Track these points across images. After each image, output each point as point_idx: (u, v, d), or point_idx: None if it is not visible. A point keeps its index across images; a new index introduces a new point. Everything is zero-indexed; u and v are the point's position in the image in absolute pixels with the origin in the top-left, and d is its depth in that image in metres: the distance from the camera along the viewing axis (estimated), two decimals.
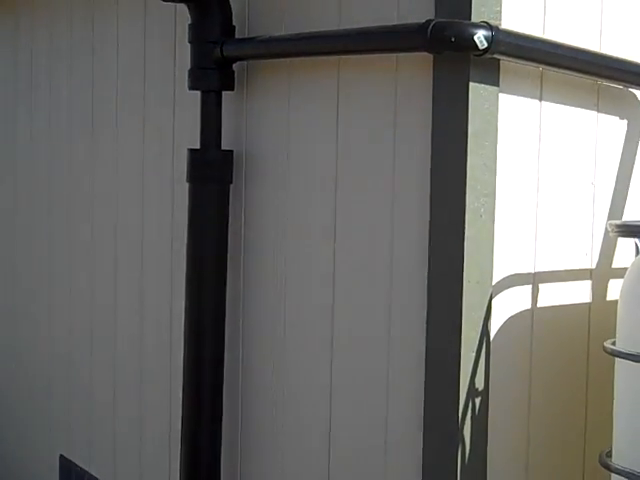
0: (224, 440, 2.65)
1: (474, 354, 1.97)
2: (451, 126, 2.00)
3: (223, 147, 2.64)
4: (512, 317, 2.06)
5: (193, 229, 2.63)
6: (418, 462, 2.05)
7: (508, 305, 2.05)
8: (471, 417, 1.96)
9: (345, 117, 2.31)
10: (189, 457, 2.64)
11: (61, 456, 3.68)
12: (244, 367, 2.66)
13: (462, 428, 1.95)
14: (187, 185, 2.66)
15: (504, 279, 2.03)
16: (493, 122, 1.99)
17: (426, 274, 2.02)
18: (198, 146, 2.63)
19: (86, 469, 3.51)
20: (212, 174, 2.62)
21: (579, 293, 2.18)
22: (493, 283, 2.00)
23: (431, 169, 2.03)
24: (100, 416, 3.42)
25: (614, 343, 1.87)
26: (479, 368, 1.97)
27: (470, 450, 1.96)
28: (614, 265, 2.26)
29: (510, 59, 1.99)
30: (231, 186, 2.64)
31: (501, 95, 2.00)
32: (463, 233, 1.96)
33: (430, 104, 2.04)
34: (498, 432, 2.02)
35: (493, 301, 2.00)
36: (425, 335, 2.03)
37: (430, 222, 2.03)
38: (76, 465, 3.57)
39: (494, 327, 2.02)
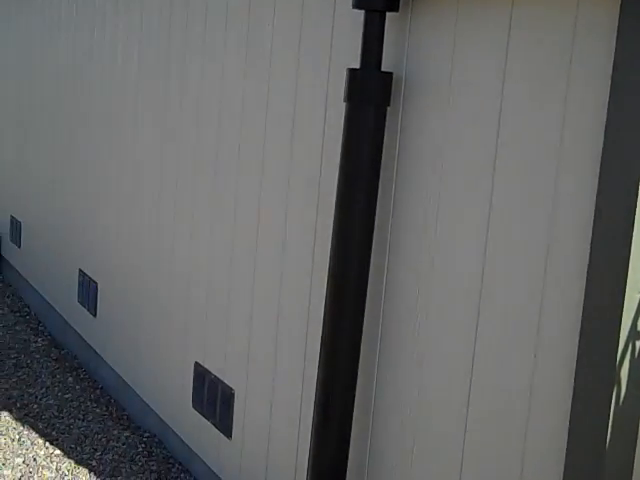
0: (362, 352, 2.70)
1: (639, 295, 1.90)
2: (637, 72, 1.88)
3: (383, 69, 2.61)
4: None
5: (347, 149, 2.62)
6: (567, 402, 2.01)
7: None
8: (630, 360, 1.90)
9: (515, 52, 2.21)
10: (328, 368, 2.70)
11: (196, 363, 3.83)
12: (387, 288, 2.67)
13: (619, 370, 1.90)
14: (343, 105, 2.66)
15: None
16: None
17: (594, 204, 1.95)
18: (357, 66, 2.61)
19: (220, 377, 3.64)
20: (370, 95, 2.59)
21: None
22: None
23: (607, 117, 1.93)
24: (236, 327, 3.53)
25: None
26: None
27: (625, 392, 1.91)
28: None
29: None
30: (388, 109, 2.61)
31: None
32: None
33: (613, 47, 1.93)
34: None
35: None
36: (587, 273, 1.97)
37: (602, 157, 1.94)
38: (210, 373, 3.72)
39: None
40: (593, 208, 1.96)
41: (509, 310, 2.22)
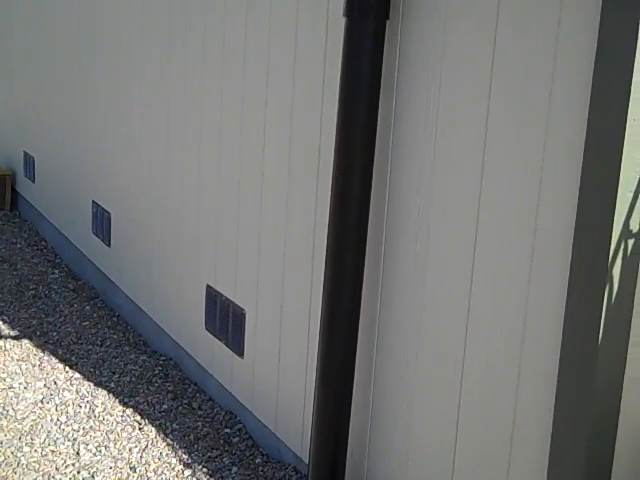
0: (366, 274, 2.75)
1: (631, 195, 1.92)
2: None
3: None
4: None
5: (348, 62, 2.63)
6: (560, 305, 2.06)
7: None
8: (622, 257, 1.93)
9: None
10: (332, 281, 2.76)
11: (208, 286, 3.91)
12: (389, 200, 2.71)
13: (612, 268, 1.93)
14: (343, 20, 2.66)
15: None
16: None
17: (587, 110, 1.96)
18: None
19: (231, 298, 3.72)
20: (369, 8, 2.59)
21: None
22: None
23: None
24: (245, 249, 3.59)
25: None
26: (636, 210, 1.93)
27: (618, 290, 1.95)
28: None
29: None
30: (387, 22, 2.61)
31: None
32: (632, 68, 1.87)
33: None
34: None
35: None
36: (581, 175, 2.00)
37: (597, 54, 1.94)
38: (221, 295, 3.79)
39: None
40: (587, 111, 1.98)
41: (506, 224, 2.25)
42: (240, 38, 3.51)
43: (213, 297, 3.87)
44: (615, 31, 1.91)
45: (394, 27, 2.61)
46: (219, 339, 3.84)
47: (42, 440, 3.57)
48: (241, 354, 3.66)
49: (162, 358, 4.45)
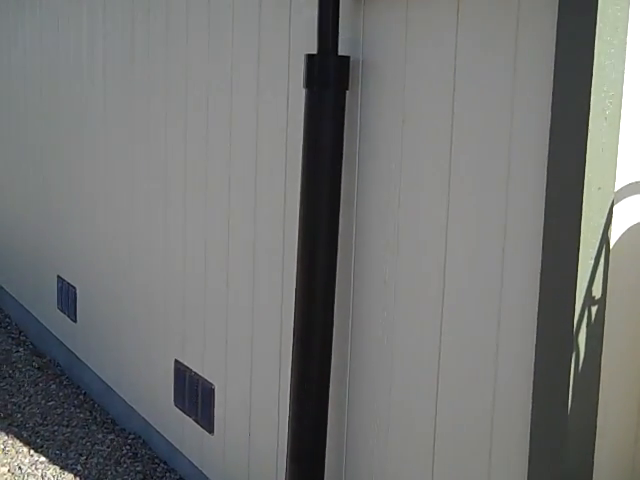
0: (334, 347, 2.71)
1: (592, 262, 1.92)
2: (577, 23, 1.91)
3: (340, 53, 2.62)
4: (634, 226, 1.99)
5: (309, 134, 2.64)
6: (529, 368, 2.04)
7: (630, 213, 1.98)
8: (587, 325, 1.92)
9: (464, 24, 2.24)
10: (300, 359, 2.72)
11: (176, 361, 3.84)
12: (356, 251, 2.69)
13: (577, 336, 1.92)
14: (303, 91, 2.68)
15: (628, 186, 1.96)
16: (623, 20, 1.90)
17: (545, 179, 1.97)
18: (315, 52, 2.63)
19: (199, 373, 3.65)
20: (329, 80, 2.61)
21: None
22: (615, 190, 1.94)
23: (555, 66, 1.96)
24: (213, 323, 3.54)
25: None
26: (597, 276, 1.93)
27: (584, 358, 1.93)
28: None
29: None
30: (347, 92, 2.63)
31: None
32: (586, 136, 1.89)
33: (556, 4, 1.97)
34: (613, 341, 1.98)
35: (614, 208, 1.94)
36: (542, 243, 2.00)
37: (551, 122, 1.97)
38: (190, 369, 3.72)
39: (614, 235, 1.96)
40: (545, 179, 1.99)
41: (472, 284, 2.24)
42: (203, 97, 3.52)
43: (182, 372, 3.79)
44: (568, 101, 1.94)
45: (354, 97, 2.63)
46: (189, 415, 3.76)
47: None
48: (211, 431, 3.58)
49: (131, 437, 4.34)
